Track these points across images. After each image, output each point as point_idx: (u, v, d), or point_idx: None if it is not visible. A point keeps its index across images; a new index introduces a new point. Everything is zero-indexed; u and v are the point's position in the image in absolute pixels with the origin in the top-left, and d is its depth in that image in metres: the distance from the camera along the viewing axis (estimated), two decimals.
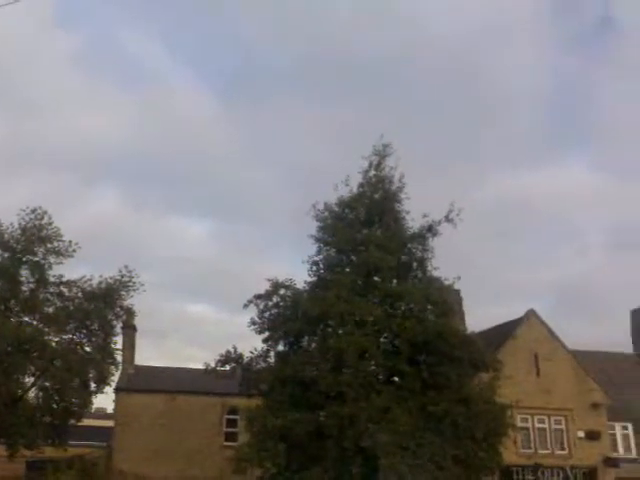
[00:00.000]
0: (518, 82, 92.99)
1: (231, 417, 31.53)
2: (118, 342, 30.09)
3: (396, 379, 21.85)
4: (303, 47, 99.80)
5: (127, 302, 29.14)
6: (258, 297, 21.91)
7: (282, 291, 22.14)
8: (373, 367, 21.39)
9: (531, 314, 28.26)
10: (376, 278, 22.40)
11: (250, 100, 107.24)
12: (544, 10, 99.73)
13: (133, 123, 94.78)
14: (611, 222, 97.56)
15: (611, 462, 27.90)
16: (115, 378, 30.21)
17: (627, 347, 32.35)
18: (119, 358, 29.95)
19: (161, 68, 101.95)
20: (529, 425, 27.11)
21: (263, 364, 22.25)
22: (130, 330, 31.97)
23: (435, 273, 23.05)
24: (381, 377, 21.63)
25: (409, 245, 22.95)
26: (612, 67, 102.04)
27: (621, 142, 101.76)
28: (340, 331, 21.04)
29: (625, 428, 30.18)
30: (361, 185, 23.36)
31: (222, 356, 22.10)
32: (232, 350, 22.16)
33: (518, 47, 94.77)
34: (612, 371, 31.47)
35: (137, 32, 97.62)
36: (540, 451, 27.02)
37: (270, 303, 22.00)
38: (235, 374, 22.55)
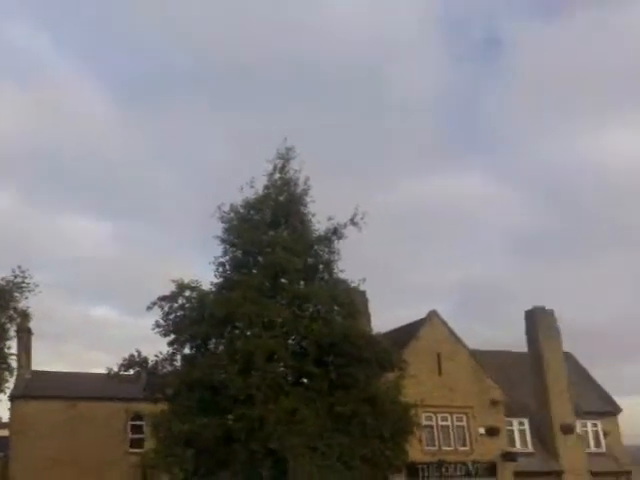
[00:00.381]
0: (423, 90, 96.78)
1: (136, 423, 30.74)
2: (12, 346, 28.80)
3: (304, 380, 21.93)
4: (207, 48, 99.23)
5: (21, 304, 27.87)
6: (163, 299, 21.42)
7: (187, 293, 21.74)
8: (282, 369, 21.38)
9: (433, 315, 29.17)
10: (283, 280, 22.46)
11: (153, 100, 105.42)
12: (446, 22, 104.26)
13: (28, 121, 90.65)
14: (509, 227, 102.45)
15: (509, 457, 29.12)
16: (10, 385, 28.94)
17: (523, 346, 33.87)
18: (14, 363, 28.59)
19: (59, 66, 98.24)
20: (433, 423, 27.89)
21: (169, 368, 21.71)
22: (25, 334, 30.60)
23: (341, 275, 23.41)
24: (290, 379, 21.62)
25: (315, 247, 23.17)
26: (500, 80, 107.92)
27: (511, 150, 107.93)
28: (248, 333, 20.93)
29: (522, 424, 31.62)
30: (266, 187, 23.41)
31: (125, 360, 21.41)
32: (136, 354, 21.52)
33: (419, 58, 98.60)
34: (509, 369, 32.92)
35: (26, 27, 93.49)
36: (444, 448, 27.83)
37: (175, 305, 21.55)
38: (139, 379, 21.88)
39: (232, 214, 23.02)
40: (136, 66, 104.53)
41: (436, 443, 27.76)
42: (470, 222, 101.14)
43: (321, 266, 23.34)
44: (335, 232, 23.19)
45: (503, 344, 35.83)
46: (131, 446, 30.46)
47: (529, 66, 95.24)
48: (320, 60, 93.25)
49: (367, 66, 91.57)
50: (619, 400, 36.77)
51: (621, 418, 36.34)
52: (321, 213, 23.67)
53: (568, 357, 35.24)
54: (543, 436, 31.84)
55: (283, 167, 23.65)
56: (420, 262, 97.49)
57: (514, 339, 33.73)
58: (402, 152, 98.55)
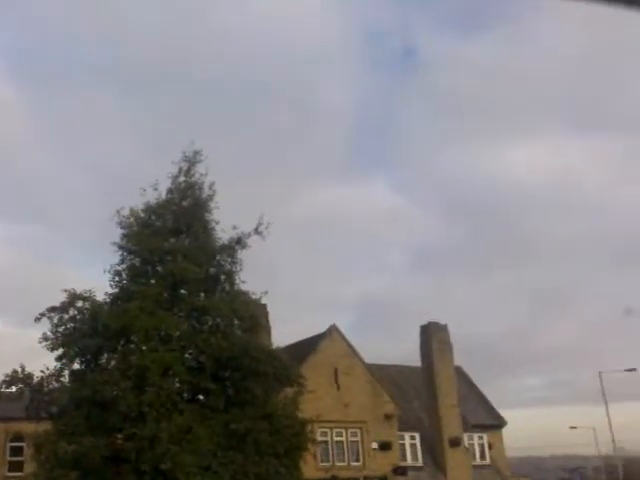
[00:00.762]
0: (329, 104, 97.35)
1: (16, 444, 28.60)
2: None
3: (200, 397, 21.09)
4: (117, 48, 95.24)
5: None
6: (52, 310, 19.81)
7: (80, 303, 20.24)
8: (177, 385, 20.41)
9: (333, 329, 29.05)
10: (183, 291, 21.50)
11: (54, 91, 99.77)
12: (356, 38, 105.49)
13: None
14: (410, 243, 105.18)
15: (400, 470, 29.45)
16: None
17: (419, 361, 34.32)
18: None
19: None
20: (328, 438, 27.72)
21: (56, 384, 20.10)
22: None
23: (243, 286, 22.71)
24: (185, 395, 20.71)
25: (218, 257, 22.34)
26: (414, 94, 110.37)
27: (415, 165, 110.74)
28: (143, 347, 19.79)
29: (413, 438, 32.07)
30: (170, 191, 22.35)
31: (8, 376, 19.57)
32: (19, 369, 19.75)
33: (330, 72, 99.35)
34: (404, 383, 33.35)
35: None
36: (337, 463, 27.74)
37: (66, 316, 20.00)
38: (22, 396, 20.13)
39: (132, 219, 21.75)
40: (39, 53, 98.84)
41: (330, 459, 27.63)
42: (372, 235, 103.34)
43: (223, 277, 22.52)
44: (239, 241, 22.42)
45: (400, 358, 36.35)
46: (10, 469, 28.44)
47: (443, 81, 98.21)
48: (237, 67, 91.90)
49: (282, 77, 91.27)
50: (504, 413, 38.31)
51: (505, 431, 37.86)
52: (225, 221, 22.90)
53: (459, 371, 36.19)
54: (433, 450, 32.44)
55: (189, 170, 22.63)
56: (322, 275, 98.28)
57: (410, 353, 34.23)
58: (311, 163, 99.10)
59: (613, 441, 42.17)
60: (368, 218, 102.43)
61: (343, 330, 29.49)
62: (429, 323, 33.61)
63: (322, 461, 27.24)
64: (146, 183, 22.14)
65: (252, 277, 23.06)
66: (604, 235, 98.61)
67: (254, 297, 22.58)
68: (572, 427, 53.21)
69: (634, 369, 42.68)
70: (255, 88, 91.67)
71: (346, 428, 28.23)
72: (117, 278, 21.42)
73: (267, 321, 25.21)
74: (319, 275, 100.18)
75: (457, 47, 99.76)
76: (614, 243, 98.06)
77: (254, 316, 22.43)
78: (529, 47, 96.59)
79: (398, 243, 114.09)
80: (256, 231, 22.33)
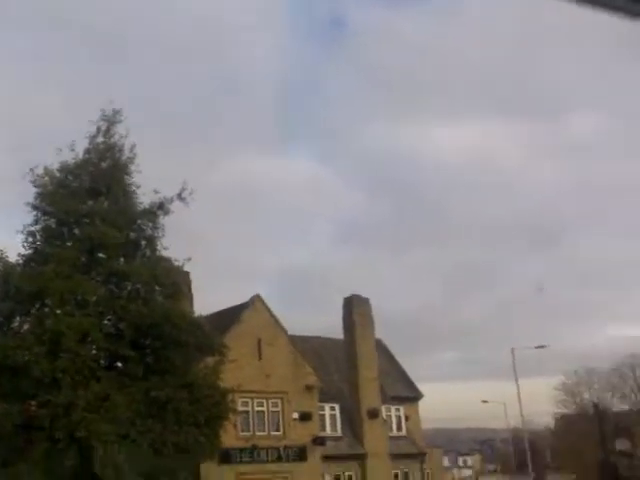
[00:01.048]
0: (253, 72, 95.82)
1: None
2: None
3: (119, 364, 20.61)
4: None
5: None
6: None
7: None
8: (94, 352, 19.88)
9: (256, 299, 28.89)
10: (101, 255, 20.86)
11: None
12: (282, 5, 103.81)
13: None
14: (332, 217, 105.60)
15: (319, 440, 29.74)
16: None
17: (340, 333, 34.61)
18: None
19: None
20: (249, 408, 27.63)
21: None
22: None
23: (165, 253, 22.21)
24: (102, 362, 20.22)
25: (139, 221, 21.73)
26: (341, 66, 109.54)
27: (341, 138, 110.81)
28: (58, 311, 19.17)
29: (333, 409, 32.42)
30: (87, 151, 21.45)
31: None
32: None
33: (254, 40, 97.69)
34: (326, 355, 33.63)
35: None
36: (258, 433, 27.73)
37: None
38: None
39: (46, 178, 20.78)
40: None
41: (251, 428, 27.59)
42: (296, 207, 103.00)
43: (144, 242, 21.96)
44: (161, 206, 21.86)
45: (323, 330, 36.50)
46: None
47: (372, 54, 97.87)
48: (160, 33, 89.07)
49: (207, 44, 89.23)
50: (421, 386, 39.31)
51: (421, 403, 38.91)
52: (148, 186, 22.22)
53: (379, 344, 36.78)
54: (352, 421, 32.93)
55: (107, 130, 21.74)
56: (246, 245, 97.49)
57: (333, 325, 34.46)
58: (234, 132, 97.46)
59: (521, 415, 44.15)
60: (293, 189, 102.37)
61: (267, 301, 29.40)
62: (352, 296, 33.94)
63: (242, 430, 27.16)
64: (60, 140, 21.20)
65: (175, 244, 22.58)
66: (520, 217, 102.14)
67: (176, 264, 22.15)
68: (484, 401, 55.27)
69: (544, 346, 44.53)
70: (174, 54, 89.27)
71: (267, 398, 28.23)
72: (31, 239, 20.52)
73: (189, 289, 24.76)
74: (243, 245, 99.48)
75: (388, 19, 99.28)
76: (529, 225, 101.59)
77: (176, 283, 22.01)
78: (460, 28, 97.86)
79: (322, 215, 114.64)
80: (179, 197, 21.84)
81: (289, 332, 29.76)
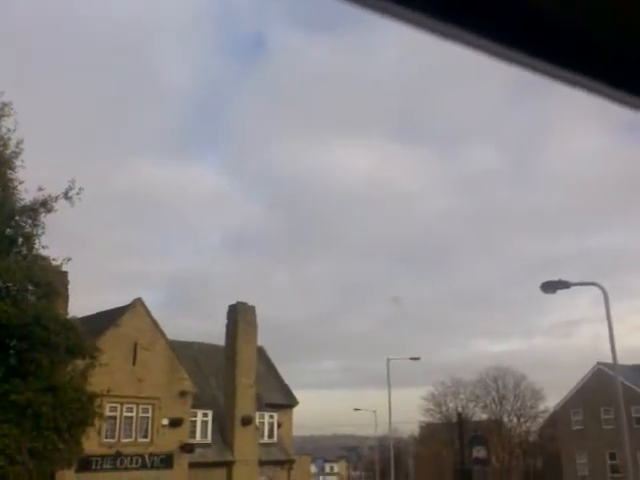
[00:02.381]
0: (167, 80, 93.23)
1: None
2: None
3: None
4: None
5: None
6: None
7: None
8: None
9: (138, 303, 27.98)
10: None
11: None
12: (207, 18, 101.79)
13: None
14: (230, 226, 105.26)
15: (187, 447, 29.31)
16: None
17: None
18: None
19: None
20: (117, 414, 26.80)
21: None
22: None
23: (44, 252, 21.05)
24: None
25: (17, 218, 20.43)
26: (256, 82, 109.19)
27: (247, 152, 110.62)
28: None
29: (206, 415, 32.05)
30: None
31: None
32: None
33: (173, 48, 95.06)
34: (204, 362, 33.14)
35: None
36: (123, 440, 26.95)
37: None
38: None
39: None
40: None
41: (116, 435, 26.76)
42: (195, 216, 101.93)
43: (21, 239, 20.69)
44: (44, 204, 20.64)
45: (212, 337, 36.02)
46: None
47: (284, 75, 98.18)
48: (71, 33, 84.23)
49: (123, 48, 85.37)
50: (299, 393, 39.70)
51: (296, 410, 39.26)
52: (36, 183, 20.92)
53: (260, 351, 36.71)
54: (224, 428, 32.70)
55: None
56: (138, 250, 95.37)
57: (220, 332, 34.13)
58: (141, 138, 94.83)
59: (390, 423, 45.37)
60: (193, 198, 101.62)
61: (155, 306, 28.67)
62: (237, 303, 33.63)
63: (107, 437, 26.31)
64: None
65: (59, 243, 21.45)
66: (410, 237, 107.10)
67: (55, 263, 21.07)
68: (356, 409, 56.44)
69: (418, 358, 45.94)
70: (84, 53, 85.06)
71: (137, 404, 27.45)
72: None
73: (66, 289, 23.62)
74: (137, 250, 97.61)
75: (303, 44, 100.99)
76: (417, 245, 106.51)
77: (51, 283, 20.93)
78: (370, 58, 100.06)
79: (220, 225, 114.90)
80: (65, 195, 20.70)
81: (175, 338, 29.17)
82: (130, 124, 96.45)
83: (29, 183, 20.77)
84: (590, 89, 1.03)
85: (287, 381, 39.40)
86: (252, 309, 34.07)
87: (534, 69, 0.97)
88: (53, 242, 21.35)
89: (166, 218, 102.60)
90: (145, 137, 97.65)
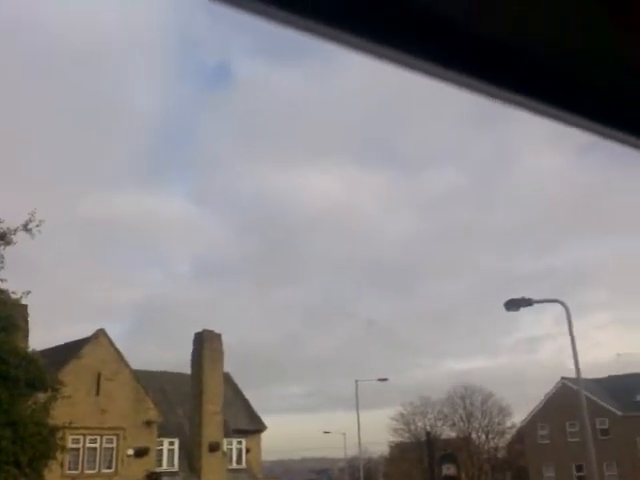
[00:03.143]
0: (135, 106, 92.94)
1: None
2: None
3: None
4: None
5: None
6: None
7: None
8: None
9: (100, 333, 27.61)
10: None
11: None
12: (172, 44, 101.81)
13: None
14: (196, 253, 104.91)
15: (154, 476, 28.88)
16: None
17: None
18: None
19: None
20: (80, 445, 26.32)
21: None
22: None
23: (2, 285, 20.67)
24: None
25: None
26: (220, 111, 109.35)
27: (216, 179, 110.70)
28: None
29: (172, 444, 31.60)
30: None
31: None
32: None
33: (140, 73, 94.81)
34: (170, 390, 32.72)
35: None
36: (87, 471, 26.47)
37: None
38: None
39: None
40: None
41: (79, 466, 26.23)
42: (163, 243, 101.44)
43: None
44: (3, 237, 20.31)
45: (178, 366, 35.58)
46: None
47: (251, 102, 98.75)
48: (38, 55, 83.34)
49: (88, 70, 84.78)
50: (266, 418, 39.35)
51: (264, 435, 38.89)
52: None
53: (226, 377, 36.38)
54: (191, 455, 32.23)
55: None
56: (102, 280, 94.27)
57: (186, 361, 33.73)
58: (107, 164, 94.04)
59: (359, 444, 45.27)
60: (161, 225, 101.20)
61: (121, 336, 28.35)
62: (203, 331, 33.40)
63: (70, 469, 25.78)
64: None
65: (17, 276, 21.05)
66: (377, 261, 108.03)
67: (14, 297, 20.68)
68: (325, 432, 56.12)
69: (386, 379, 46.03)
70: (48, 74, 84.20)
71: (101, 435, 26.99)
72: None
73: (26, 322, 23.18)
74: (101, 280, 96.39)
75: (270, 71, 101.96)
76: (385, 268, 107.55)
77: (11, 316, 20.59)
78: (331, 85, 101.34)
79: (188, 252, 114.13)
80: (25, 227, 20.38)
81: (141, 367, 28.88)
82: (94, 151, 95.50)
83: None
84: (547, 114, 1.05)
85: (255, 406, 39.15)
86: (218, 336, 33.80)
87: (491, 95, 0.99)
88: (14, 273, 20.84)
89: (133, 247, 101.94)
90: (110, 165, 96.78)
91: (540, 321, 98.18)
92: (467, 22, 0.90)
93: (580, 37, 0.96)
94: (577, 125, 1.10)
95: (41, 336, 24.87)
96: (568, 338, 19.29)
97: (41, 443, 20.29)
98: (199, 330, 33.54)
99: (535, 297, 19.83)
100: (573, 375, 21.12)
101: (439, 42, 0.90)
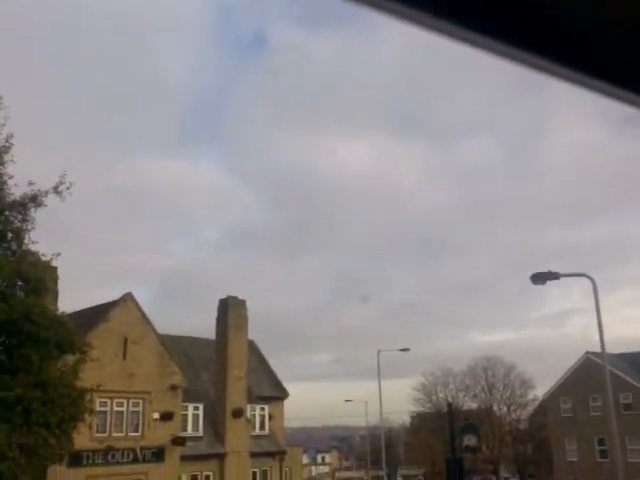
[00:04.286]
0: (167, 75, 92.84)
1: None
2: None
3: None
4: None
5: None
6: None
7: None
8: None
9: (128, 297, 27.86)
10: None
11: None
12: (207, 15, 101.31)
13: None
14: (226, 221, 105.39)
15: (179, 441, 29.32)
16: None
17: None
18: None
19: None
20: (107, 409, 26.73)
21: None
22: None
23: (33, 247, 20.89)
24: None
25: (7, 213, 20.25)
26: (256, 80, 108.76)
27: (248, 147, 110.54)
28: None
29: (197, 408, 32.03)
30: None
31: None
32: None
33: (173, 42, 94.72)
34: (195, 355, 33.13)
35: None
36: (114, 434, 26.89)
37: None
38: None
39: None
40: None
41: (107, 429, 26.71)
42: (194, 210, 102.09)
43: (10, 234, 20.50)
44: (34, 199, 20.48)
45: (205, 331, 35.99)
46: None
47: (286, 71, 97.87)
48: (70, 30, 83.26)
49: (121, 44, 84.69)
50: (292, 386, 39.89)
51: (288, 402, 39.40)
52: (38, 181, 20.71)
53: (251, 345, 36.72)
54: (215, 421, 32.72)
55: None
56: (135, 245, 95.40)
57: (213, 326, 34.09)
58: (141, 132, 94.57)
59: (381, 413, 45.64)
60: (193, 193, 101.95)
61: (150, 301, 28.71)
62: (227, 297, 33.60)
63: (98, 432, 26.25)
64: None
65: (51, 238, 21.34)
66: (407, 231, 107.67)
67: (44, 259, 20.95)
68: (347, 400, 56.53)
69: (408, 349, 46.15)
70: (83, 48, 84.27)
71: (128, 398, 27.39)
72: None
73: (56, 285, 23.51)
74: (133, 246, 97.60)
75: (304, 40, 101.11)
76: (415, 239, 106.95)
77: (41, 279, 20.80)
78: (369, 52, 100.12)
79: (218, 221, 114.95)
80: (55, 190, 20.55)
81: (167, 332, 29.09)
82: (130, 120, 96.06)
83: (28, 177, 20.58)
84: (585, 85, 1.03)
85: (279, 374, 39.55)
86: (242, 303, 34.03)
87: (530, 65, 0.97)
88: (48, 237, 21.15)
89: (164, 213, 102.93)
90: (145, 133, 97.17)
91: (568, 295, 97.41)
92: None
93: (627, 9, 0.92)
94: (617, 97, 1.07)
95: (72, 299, 25.25)
96: (595, 313, 19.17)
97: (70, 405, 20.58)
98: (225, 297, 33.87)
99: (566, 271, 19.63)
100: (598, 349, 20.96)
101: (480, 10, 0.88)
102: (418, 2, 0.86)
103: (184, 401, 30.12)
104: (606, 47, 0.97)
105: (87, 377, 21.40)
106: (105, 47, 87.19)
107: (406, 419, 74.93)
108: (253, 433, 34.62)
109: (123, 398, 27.13)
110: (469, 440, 47.93)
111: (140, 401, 27.83)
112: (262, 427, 35.98)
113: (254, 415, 35.48)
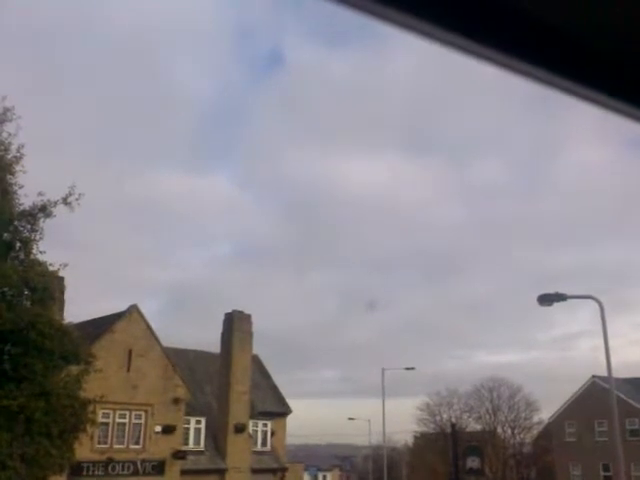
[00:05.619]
0: (184, 89, 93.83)
1: None
2: None
3: None
4: None
5: None
6: None
7: None
8: None
9: (133, 310, 27.94)
10: None
11: None
12: (226, 31, 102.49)
13: None
14: (237, 236, 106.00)
15: (180, 454, 29.22)
16: None
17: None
18: None
19: None
20: (110, 420, 26.71)
21: None
22: None
23: (41, 257, 21.04)
24: None
25: (16, 223, 20.42)
26: (270, 96, 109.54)
27: (262, 164, 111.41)
28: None
29: (199, 422, 31.93)
30: None
31: None
32: None
33: (192, 57, 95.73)
34: (199, 369, 33.08)
35: None
36: (116, 446, 26.88)
37: None
38: None
39: None
40: None
41: (109, 441, 26.68)
42: (205, 225, 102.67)
43: (18, 244, 20.67)
44: (43, 209, 20.66)
45: (210, 345, 35.92)
46: None
47: (301, 88, 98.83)
48: (89, 40, 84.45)
49: (138, 57, 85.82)
50: (295, 402, 39.69)
51: (290, 419, 39.19)
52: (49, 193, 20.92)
53: (255, 359, 36.65)
54: (217, 435, 32.60)
55: None
56: (144, 258, 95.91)
57: (218, 340, 34.09)
58: (155, 145, 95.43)
59: (384, 433, 45.35)
60: (204, 207, 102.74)
61: (156, 314, 28.84)
62: (233, 311, 33.62)
63: (99, 443, 26.22)
64: None
65: (58, 249, 21.48)
66: (417, 250, 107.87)
67: (52, 269, 21.06)
68: (350, 418, 56.32)
69: (412, 368, 45.95)
70: (101, 59, 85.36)
71: (130, 410, 27.38)
72: None
73: (62, 295, 23.62)
74: (143, 258, 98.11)
75: (321, 59, 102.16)
76: (424, 258, 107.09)
77: (47, 289, 20.93)
78: (383, 72, 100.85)
79: (229, 235, 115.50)
80: (64, 201, 20.71)
81: (173, 344, 29.14)
82: (144, 132, 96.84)
83: (40, 188, 20.79)
84: (601, 104, 1.03)
85: (283, 390, 39.36)
86: (248, 317, 34.03)
87: (544, 82, 0.97)
88: (57, 247, 21.28)
89: (175, 227, 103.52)
90: (160, 146, 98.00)
91: (577, 317, 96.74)
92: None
93: (629, 22, 0.92)
94: (628, 115, 1.07)
95: (78, 309, 25.35)
96: (602, 336, 19.03)
97: (72, 416, 20.61)
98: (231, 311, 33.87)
99: (576, 292, 19.51)
100: (605, 373, 20.79)
101: (491, 24, 0.88)
102: (428, 15, 0.86)
103: (187, 415, 30.06)
104: (622, 66, 0.97)
105: (90, 388, 21.43)
106: (123, 61, 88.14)
107: (409, 439, 74.43)
108: (255, 449, 34.44)
109: (126, 410, 27.11)
110: (473, 462, 47.61)
111: (142, 413, 27.80)
112: (264, 443, 35.80)
113: (256, 431, 35.32)
